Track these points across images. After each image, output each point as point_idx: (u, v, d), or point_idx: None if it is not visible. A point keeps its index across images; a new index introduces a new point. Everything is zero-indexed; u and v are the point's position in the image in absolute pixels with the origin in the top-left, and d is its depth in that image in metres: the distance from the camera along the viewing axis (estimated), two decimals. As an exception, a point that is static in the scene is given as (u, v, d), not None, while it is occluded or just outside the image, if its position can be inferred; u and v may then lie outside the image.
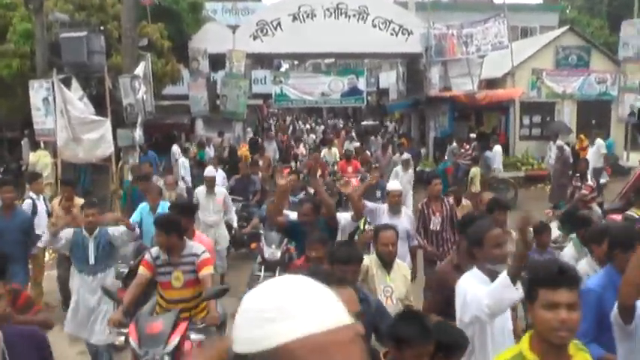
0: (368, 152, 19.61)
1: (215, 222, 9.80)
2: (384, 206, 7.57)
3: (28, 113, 13.89)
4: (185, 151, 17.60)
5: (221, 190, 10.24)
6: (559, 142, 18.32)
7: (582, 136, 19.74)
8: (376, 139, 25.14)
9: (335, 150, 19.33)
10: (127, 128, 13.56)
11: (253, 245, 9.89)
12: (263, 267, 8.38)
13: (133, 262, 7.24)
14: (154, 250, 5.40)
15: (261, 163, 16.04)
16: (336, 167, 17.43)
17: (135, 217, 8.27)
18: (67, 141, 12.54)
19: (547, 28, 30.78)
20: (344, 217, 6.58)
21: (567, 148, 17.54)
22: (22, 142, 17.77)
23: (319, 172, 12.82)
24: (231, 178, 13.12)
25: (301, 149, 22.50)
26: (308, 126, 42.37)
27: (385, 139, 24.00)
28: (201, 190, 10.02)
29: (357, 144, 21.50)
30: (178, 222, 5.37)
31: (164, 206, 8.03)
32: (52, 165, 13.02)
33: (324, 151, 18.89)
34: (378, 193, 10.66)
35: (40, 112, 13.19)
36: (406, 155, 15.13)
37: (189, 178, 15.92)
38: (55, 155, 13.05)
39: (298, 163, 19.89)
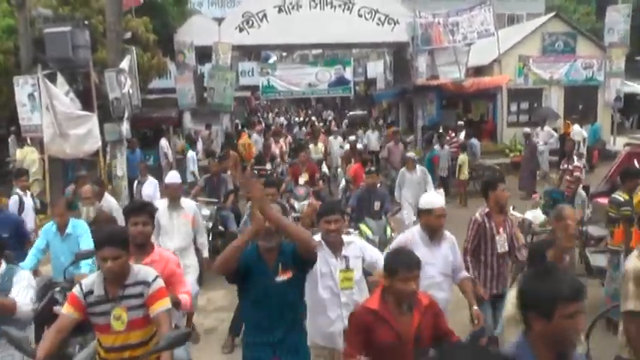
0: (360, 146, 18.47)
1: (181, 249, 6.90)
2: (416, 232, 5.28)
3: (13, 110, 13.79)
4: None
5: (190, 204, 7.46)
6: (547, 127, 18.48)
7: (568, 121, 19.90)
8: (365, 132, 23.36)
9: (321, 146, 18.00)
10: (113, 123, 13.50)
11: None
12: None
13: (38, 305, 5.25)
14: (86, 282, 3.91)
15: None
16: (324, 167, 16.29)
17: (39, 243, 6.66)
18: (54, 137, 12.50)
19: (533, 15, 30.86)
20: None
21: (551, 134, 17.66)
22: (9, 139, 17.66)
23: (306, 176, 11.95)
24: (201, 177, 12.15)
25: (281, 145, 18.77)
26: (300, 118, 41.51)
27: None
28: (161, 206, 6.99)
29: (353, 138, 19.55)
30: (126, 236, 3.98)
31: (77, 226, 6.53)
32: (39, 161, 12.96)
33: (310, 148, 17.07)
34: (377, 204, 9.18)
35: (26, 109, 13.09)
36: (409, 154, 13.29)
37: (196, 170, 16.00)
38: (42, 151, 12.98)
39: (275, 164, 17.19)
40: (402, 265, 3.61)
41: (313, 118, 38.83)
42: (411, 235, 5.22)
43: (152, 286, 3.87)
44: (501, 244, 5.86)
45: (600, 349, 5.91)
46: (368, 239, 7.70)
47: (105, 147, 13.68)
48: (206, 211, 9.89)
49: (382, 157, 18.20)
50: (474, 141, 17.33)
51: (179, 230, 7.07)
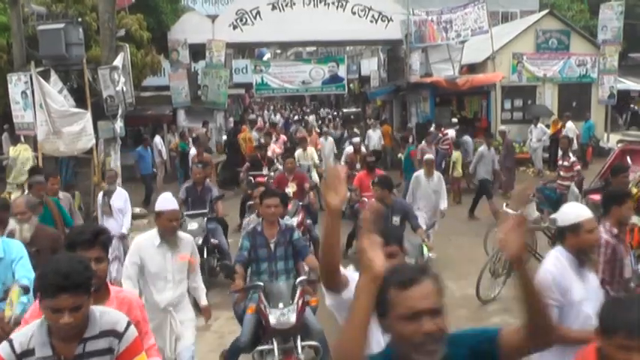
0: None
1: (174, 302, 5.20)
2: (562, 256, 3.97)
3: (6, 107, 13.75)
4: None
5: (188, 239, 5.37)
6: (540, 125, 18.54)
7: (555, 119, 19.96)
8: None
9: (312, 151, 15.54)
10: (107, 120, 13.48)
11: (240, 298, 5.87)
12: (271, 337, 5.39)
13: None
14: (20, 338, 2.73)
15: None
16: (315, 175, 14.20)
17: None
18: (48, 134, 12.48)
19: (527, 12, 30.85)
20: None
21: (544, 131, 17.69)
22: (2, 137, 17.63)
23: (294, 187, 10.44)
24: (181, 186, 10.37)
25: (274, 148, 16.49)
26: (297, 117, 40.26)
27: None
28: (148, 242, 5.15)
29: (357, 139, 16.51)
30: (90, 273, 2.70)
31: (9, 248, 4.79)
32: (33, 159, 12.92)
33: (298, 153, 14.66)
34: (396, 220, 7.76)
35: (19, 106, 13.05)
36: (427, 155, 11.22)
37: None
38: (35, 149, 12.95)
39: (273, 168, 14.39)
40: (624, 325, 2.42)
41: (311, 117, 37.54)
42: (558, 262, 3.94)
43: (125, 337, 2.83)
44: (628, 269, 4.85)
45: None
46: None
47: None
48: (193, 225, 8.90)
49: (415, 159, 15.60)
50: (467, 138, 17.37)
51: (174, 278, 5.16)
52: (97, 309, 2.81)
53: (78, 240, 3.36)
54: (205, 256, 8.65)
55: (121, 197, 9.37)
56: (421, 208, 9.81)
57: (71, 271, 2.55)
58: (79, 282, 2.55)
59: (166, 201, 5.19)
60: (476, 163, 14.02)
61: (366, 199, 9.88)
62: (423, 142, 15.53)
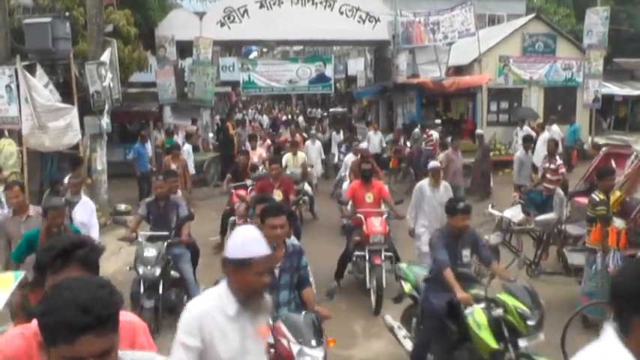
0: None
1: None
2: None
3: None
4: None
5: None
6: (526, 127, 18.64)
7: (537, 123, 20.03)
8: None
9: (302, 156, 14.20)
10: (94, 116, 13.40)
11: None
12: None
13: None
14: None
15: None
16: (307, 187, 13.48)
17: None
18: (33, 129, 12.38)
19: (514, 15, 31.03)
20: None
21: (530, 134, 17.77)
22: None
23: (279, 195, 9.21)
24: (141, 201, 8.60)
25: (260, 153, 14.75)
26: (286, 117, 38.00)
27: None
28: (213, 308, 3.00)
29: (364, 146, 15.10)
30: (118, 303, 1.81)
31: None
32: (17, 153, 12.80)
33: (287, 158, 13.77)
34: (466, 254, 6.01)
35: (3, 100, 12.93)
36: (433, 163, 9.70)
37: (192, 166, 15.69)
38: (20, 143, 12.84)
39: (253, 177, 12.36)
40: None
41: (300, 118, 36.44)
42: None
43: None
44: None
45: (576, 346, 5.99)
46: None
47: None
48: (151, 252, 7.08)
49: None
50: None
51: None
52: (127, 354, 2.05)
53: (45, 259, 2.36)
54: (161, 291, 7.12)
55: (85, 209, 8.03)
56: (425, 224, 8.69)
57: (93, 300, 1.73)
58: (105, 315, 1.74)
59: (254, 242, 3.02)
60: (518, 169, 12.93)
61: (360, 216, 8.66)
62: (450, 148, 14.10)
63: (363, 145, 14.67)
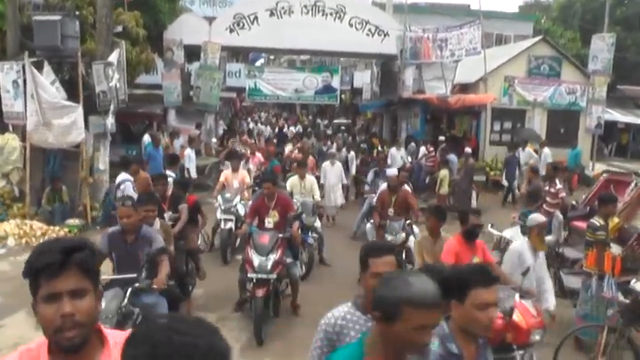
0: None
1: None
2: None
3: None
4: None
5: None
6: (528, 149, 18.66)
7: (530, 145, 19.94)
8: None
9: (312, 181, 11.48)
10: (99, 115, 13.43)
11: None
12: None
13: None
14: None
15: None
16: (317, 223, 10.75)
17: None
18: (37, 125, 12.42)
19: (521, 37, 31.19)
20: None
21: (532, 155, 17.81)
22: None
23: (275, 216, 8.21)
24: (102, 233, 6.48)
25: (242, 176, 12.07)
26: (293, 128, 32.66)
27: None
28: None
29: (394, 171, 10.74)
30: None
31: None
32: (20, 149, 12.84)
33: (292, 182, 11.43)
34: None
35: (9, 95, 12.98)
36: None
37: (194, 170, 15.60)
38: (23, 139, 12.87)
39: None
40: None
41: (298, 126, 33.67)
42: None
43: None
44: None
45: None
46: None
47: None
48: (110, 304, 5.15)
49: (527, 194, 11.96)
50: (452, 157, 17.43)
51: None
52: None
53: (38, 264, 1.96)
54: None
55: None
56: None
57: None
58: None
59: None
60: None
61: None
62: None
63: (393, 171, 10.71)
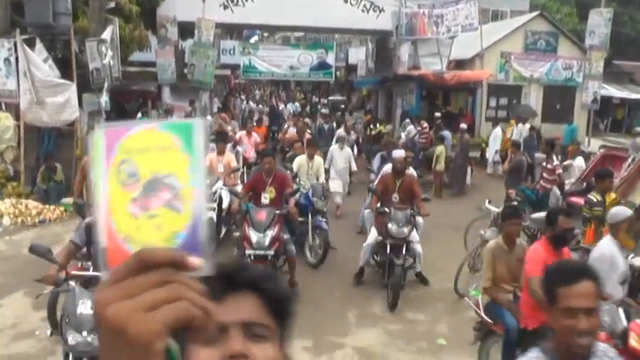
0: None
1: None
2: None
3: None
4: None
5: None
6: (521, 124, 18.63)
7: (512, 121, 19.86)
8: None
9: (320, 163, 10.81)
10: (92, 93, 13.32)
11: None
12: None
13: None
14: None
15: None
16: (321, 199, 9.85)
17: None
18: (31, 104, 12.32)
19: (517, 12, 31.04)
20: None
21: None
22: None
23: (272, 192, 8.10)
24: (78, 224, 5.95)
25: (229, 159, 10.74)
26: (291, 107, 29.91)
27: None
28: None
29: (400, 153, 9.16)
30: None
31: None
32: (14, 127, 12.74)
33: (299, 162, 10.68)
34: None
35: (1, 73, 12.83)
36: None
37: None
38: (17, 118, 12.77)
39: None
40: None
41: (295, 104, 31.64)
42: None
43: None
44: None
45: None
46: None
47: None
48: (89, 305, 4.23)
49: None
50: (446, 133, 17.30)
51: None
52: None
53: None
54: None
55: None
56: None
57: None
58: None
59: None
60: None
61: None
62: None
63: (400, 153, 9.21)
